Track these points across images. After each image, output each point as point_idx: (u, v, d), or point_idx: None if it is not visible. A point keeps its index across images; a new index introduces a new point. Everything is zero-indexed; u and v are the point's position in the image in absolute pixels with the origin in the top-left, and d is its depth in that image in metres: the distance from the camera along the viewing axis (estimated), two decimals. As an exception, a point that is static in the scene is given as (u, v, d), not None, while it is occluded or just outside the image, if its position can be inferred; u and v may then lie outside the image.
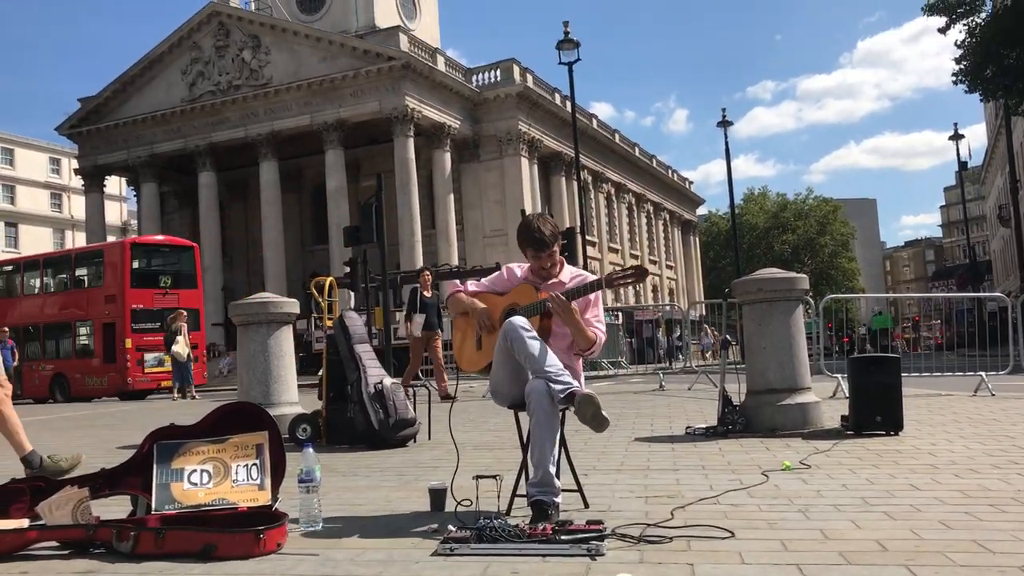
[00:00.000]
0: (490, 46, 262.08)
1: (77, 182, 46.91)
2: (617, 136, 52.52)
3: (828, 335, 14.99)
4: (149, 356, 21.01)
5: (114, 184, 50.92)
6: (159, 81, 40.63)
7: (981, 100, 31.53)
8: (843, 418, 5.88)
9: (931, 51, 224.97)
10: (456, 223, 38.55)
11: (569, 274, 3.53)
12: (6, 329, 19.97)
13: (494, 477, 3.37)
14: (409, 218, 35.75)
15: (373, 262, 19.71)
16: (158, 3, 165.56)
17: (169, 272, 22.99)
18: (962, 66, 23.09)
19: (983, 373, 9.21)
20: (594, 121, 48.80)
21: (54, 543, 3.05)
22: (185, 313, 19.43)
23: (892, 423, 5.57)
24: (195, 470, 3.26)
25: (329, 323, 7.14)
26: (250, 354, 7.10)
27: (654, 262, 56.85)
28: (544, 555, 2.67)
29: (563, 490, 3.23)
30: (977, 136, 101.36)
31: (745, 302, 6.32)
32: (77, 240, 52.76)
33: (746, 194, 75.10)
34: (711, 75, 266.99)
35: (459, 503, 3.36)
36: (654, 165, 59.74)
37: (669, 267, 61.68)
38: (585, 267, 21.51)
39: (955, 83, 23.55)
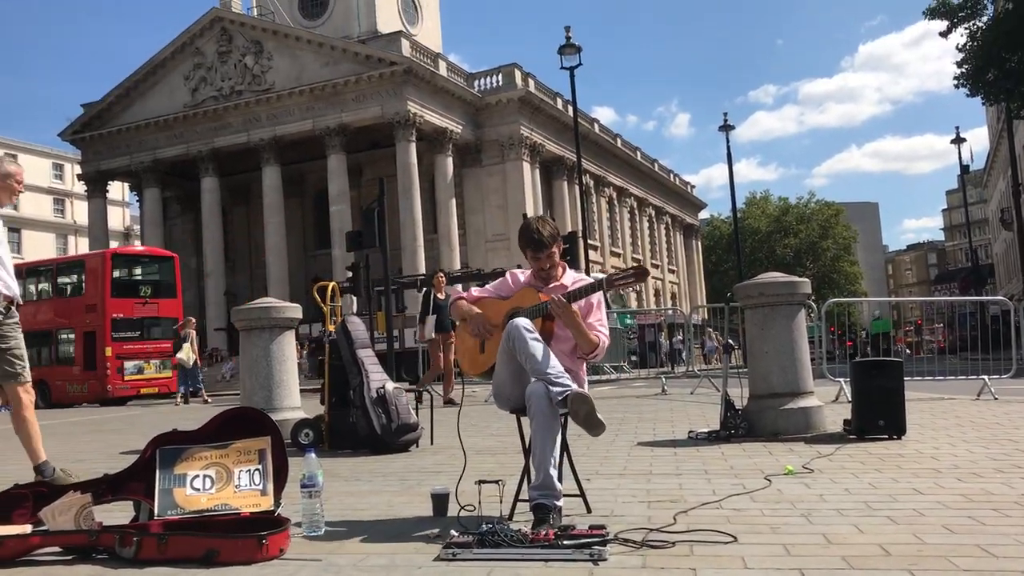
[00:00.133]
0: (492, 51, 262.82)
1: (80, 187, 46.95)
2: (619, 140, 52.53)
3: (831, 339, 14.96)
4: (129, 364, 21.25)
5: (117, 189, 51.07)
6: (162, 86, 40.72)
7: (983, 104, 31.54)
8: (846, 422, 5.87)
9: (932, 55, 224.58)
10: (458, 227, 38.52)
11: (571, 278, 3.55)
12: None
13: (497, 482, 3.36)
14: (411, 223, 35.74)
15: (375, 266, 19.74)
16: (160, 5, 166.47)
17: (149, 282, 23.16)
18: (964, 70, 23.13)
19: (986, 377, 9.17)
20: (596, 125, 48.85)
21: (57, 549, 3.05)
22: (194, 320, 19.58)
23: (895, 427, 5.56)
24: (198, 475, 3.27)
25: (331, 327, 7.15)
26: (253, 359, 7.11)
27: (656, 266, 56.83)
28: (546, 560, 2.68)
29: (565, 495, 3.23)
30: (979, 139, 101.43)
31: (747, 306, 6.32)
32: (80, 246, 52.83)
33: (748, 198, 75.17)
34: (713, 79, 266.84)
35: (462, 508, 3.36)
36: (656, 169, 59.74)
37: (671, 271, 61.67)
38: (587, 271, 21.50)
39: (957, 87, 23.59)
